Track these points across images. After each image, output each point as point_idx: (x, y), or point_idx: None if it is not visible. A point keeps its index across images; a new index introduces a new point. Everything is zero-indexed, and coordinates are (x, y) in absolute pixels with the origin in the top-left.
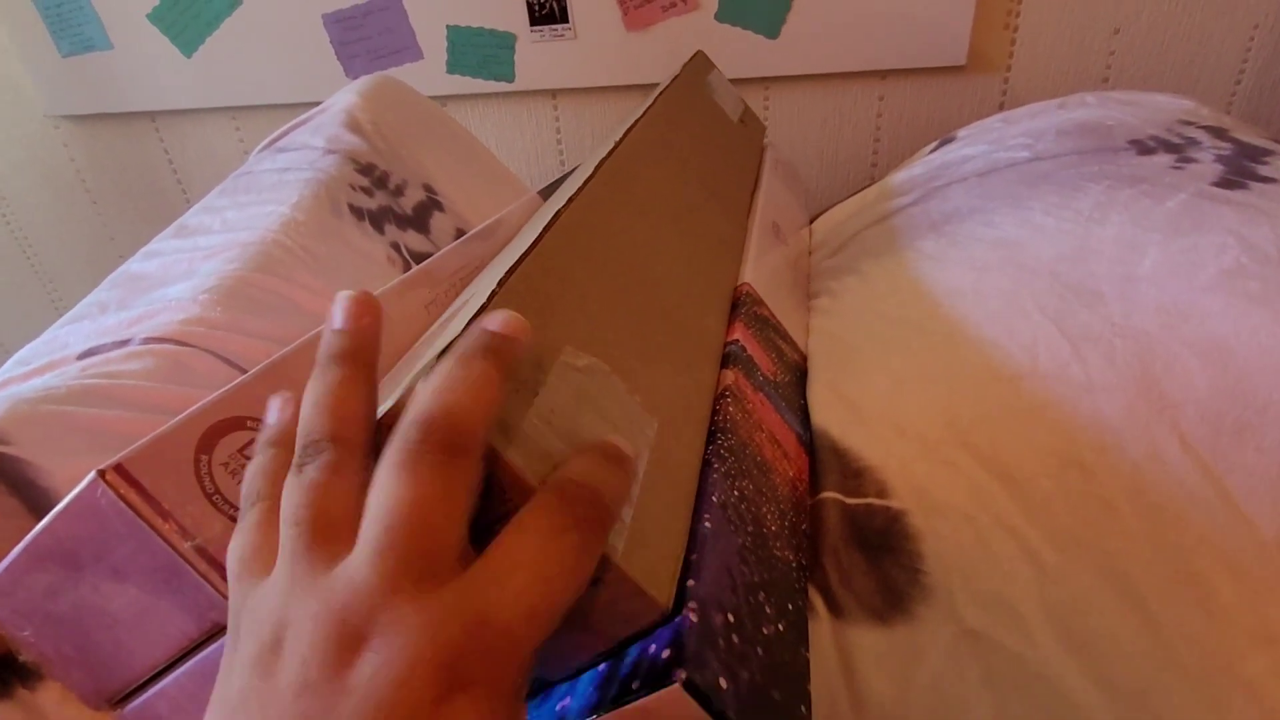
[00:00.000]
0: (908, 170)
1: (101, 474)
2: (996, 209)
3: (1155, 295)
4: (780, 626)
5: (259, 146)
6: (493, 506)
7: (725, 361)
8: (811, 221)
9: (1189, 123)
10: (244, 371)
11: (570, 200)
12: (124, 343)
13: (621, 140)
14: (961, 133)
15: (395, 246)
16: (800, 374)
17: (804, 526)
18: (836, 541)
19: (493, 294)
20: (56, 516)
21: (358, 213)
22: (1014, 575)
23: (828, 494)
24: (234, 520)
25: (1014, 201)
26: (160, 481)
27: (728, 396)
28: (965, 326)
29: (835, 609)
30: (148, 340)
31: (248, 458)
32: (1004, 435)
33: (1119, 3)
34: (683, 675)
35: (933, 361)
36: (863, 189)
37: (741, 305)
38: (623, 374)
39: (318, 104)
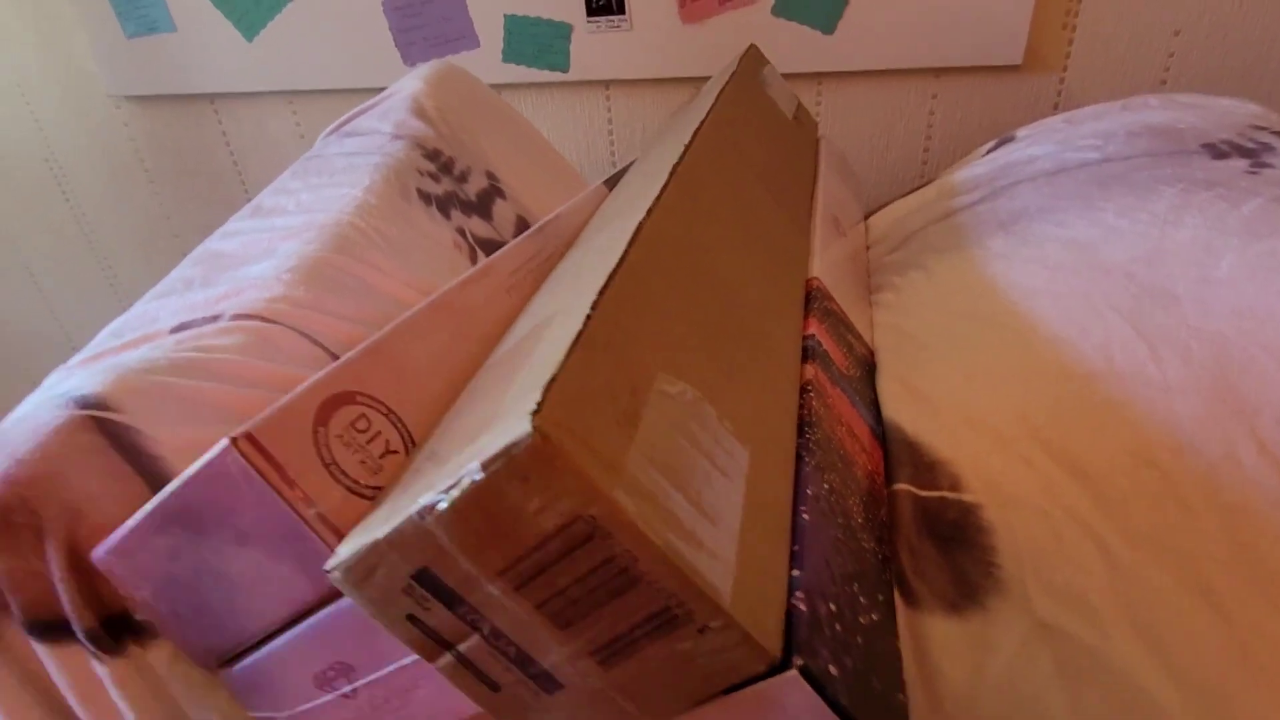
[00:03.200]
0: (970, 169)
1: (234, 441)
2: (1067, 209)
3: (1232, 299)
4: (875, 616)
5: (326, 130)
6: (595, 551)
7: (804, 356)
8: (866, 217)
9: (1261, 128)
10: (326, 349)
11: (649, 211)
12: (214, 318)
13: (691, 142)
14: (1021, 132)
15: (461, 232)
16: (868, 368)
17: (882, 517)
18: (910, 533)
19: (588, 318)
20: (186, 482)
21: (425, 198)
22: (1088, 570)
23: (901, 486)
24: (351, 491)
25: (1085, 202)
26: (286, 451)
27: (810, 391)
28: (1038, 324)
29: (910, 598)
30: (237, 316)
31: (360, 431)
32: (1079, 432)
33: (1181, 4)
34: (799, 662)
35: (1006, 358)
36: (919, 186)
37: (813, 300)
38: (711, 396)
39: (374, 90)
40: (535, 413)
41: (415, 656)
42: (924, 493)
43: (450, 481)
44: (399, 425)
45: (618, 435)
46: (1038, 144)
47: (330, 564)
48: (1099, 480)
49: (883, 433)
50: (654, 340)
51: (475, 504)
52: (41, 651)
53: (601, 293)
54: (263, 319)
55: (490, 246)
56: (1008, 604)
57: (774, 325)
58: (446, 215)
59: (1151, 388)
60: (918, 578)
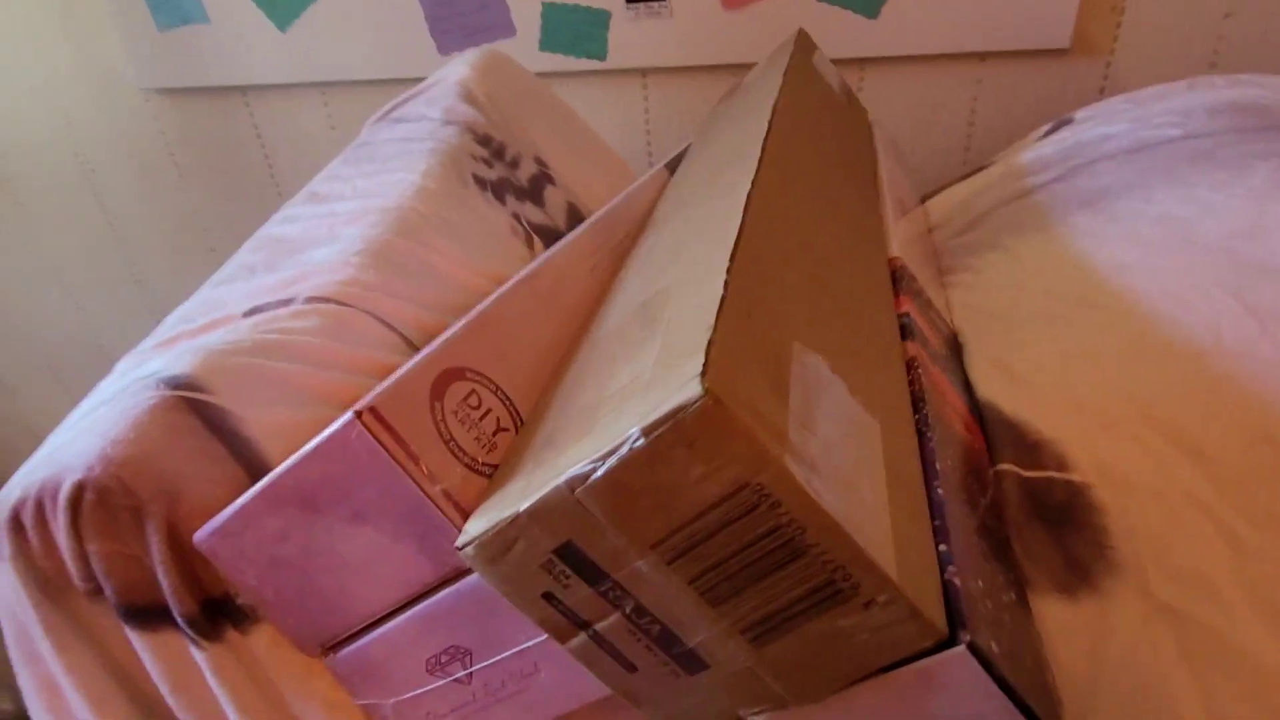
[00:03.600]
0: (1036, 149)
1: (358, 415)
2: (1155, 185)
3: None
4: (1012, 595)
5: (372, 119)
6: (760, 521)
7: (902, 334)
8: (921, 201)
9: None
10: (398, 332)
11: (753, 185)
12: (287, 302)
13: (772, 120)
14: (1081, 114)
15: (516, 217)
16: (953, 347)
17: (991, 497)
18: (1016, 514)
19: (726, 285)
20: (303, 458)
21: (480, 183)
22: (1210, 551)
23: (1005, 467)
24: (470, 468)
25: (1174, 178)
26: (408, 426)
27: (917, 367)
28: (1137, 302)
29: (1022, 580)
30: (311, 300)
31: (473, 408)
32: (1189, 411)
33: None
34: (967, 638)
35: (1106, 337)
36: (976, 170)
37: (900, 279)
38: (837, 369)
39: (408, 81)
40: (702, 375)
41: (539, 639)
42: (1029, 473)
43: (605, 449)
44: (506, 402)
45: (776, 402)
46: (1108, 123)
47: (462, 540)
48: (1215, 460)
49: (979, 413)
50: (783, 311)
51: (633, 472)
52: (135, 638)
53: (732, 260)
54: (336, 302)
55: (544, 232)
56: (1124, 586)
57: (872, 302)
58: (501, 201)
59: (1263, 364)
60: (1028, 559)
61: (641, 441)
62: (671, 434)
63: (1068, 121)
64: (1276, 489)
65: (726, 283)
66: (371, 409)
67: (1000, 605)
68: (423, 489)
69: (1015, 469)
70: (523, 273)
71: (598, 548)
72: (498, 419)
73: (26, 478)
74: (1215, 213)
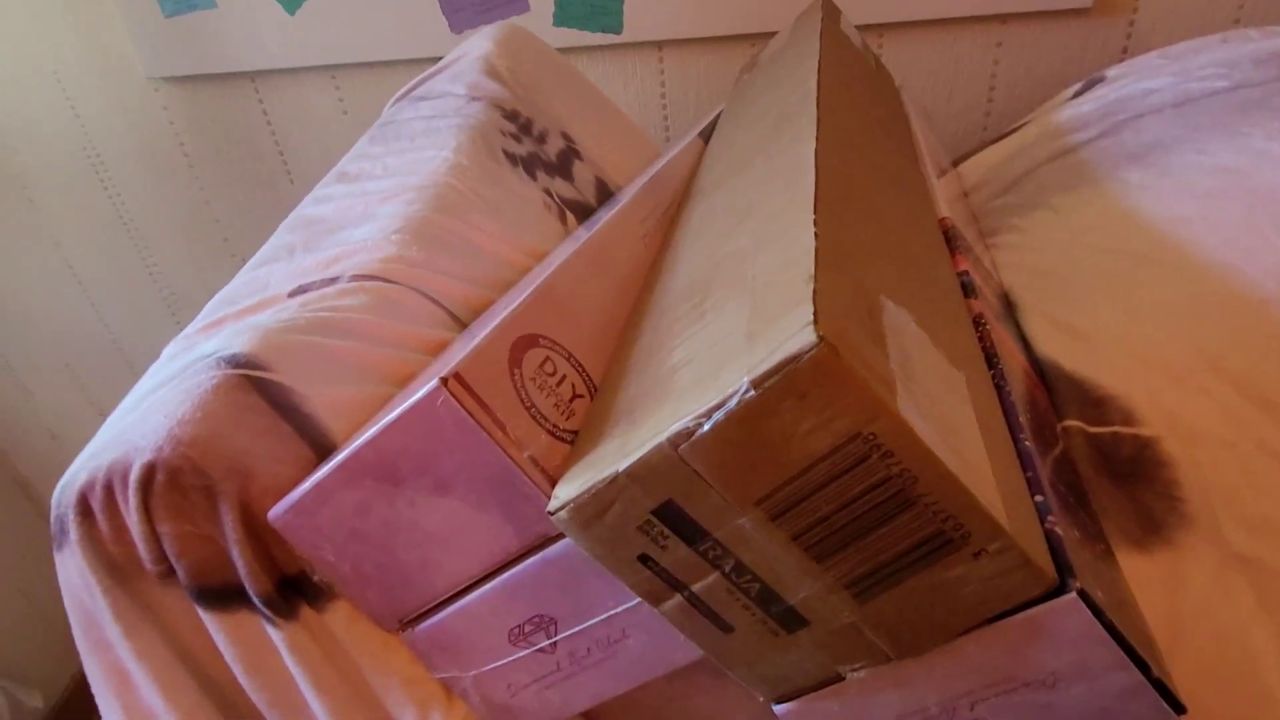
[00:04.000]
0: (1073, 108)
1: (444, 382)
2: (1208, 138)
3: None
4: (1101, 547)
5: (393, 98)
6: (870, 472)
7: (965, 292)
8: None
9: None
10: (445, 308)
11: (817, 144)
12: (332, 280)
13: (820, 80)
14: (1113, 72)
15: (548, 192)
16: (1006, 306)
17: (1059, 452)
18: (1085, 469)
19: (816, 249)
20: (385, 429)
21: (511, 159)
22: None
23: (1070, 423)
24: (552, 434)
25: (1227, 129)
26: (491, 392)
27: (984, 323)
28: (1198, 254)
29: (1103, 534)
30: (356, 278)
31: (549, 374)
32: (1259, 361)
33: None
34: (1077, 585)
35: (1168, 290)
36: (1008, 132)
37: (953, 239)
38: (921, 323)
39: (420, 61)
40: (814, 323)
41: (628, 604)
42: (1095, 429)
43: (711, 404)
44: (579, 369)
45: (878, 354)
46: (1148, 78)
47: (554, 504)
48: None
49: (1040, 370)
50: (867, 266)
51: (740, 426)
52: (208, 619)
53: (816, 215)
54: (382, 279)
55: (576, 207)
56: (1197, 538)
57: (933, 260)
58: (533, 176)
59: None
60: (1099, 514)
61: (752, 393)
62: (783, 384)
63: (1100, 80)
64: None
65: (816, 234)
66: (457, 375)
67: (1095, 555)
68: (510, 455)
69: (1081, 425)
70: (577, 243)
71: (699, 506)
72: (573, 385)
73: (92, 461)
74: (1273, 161)
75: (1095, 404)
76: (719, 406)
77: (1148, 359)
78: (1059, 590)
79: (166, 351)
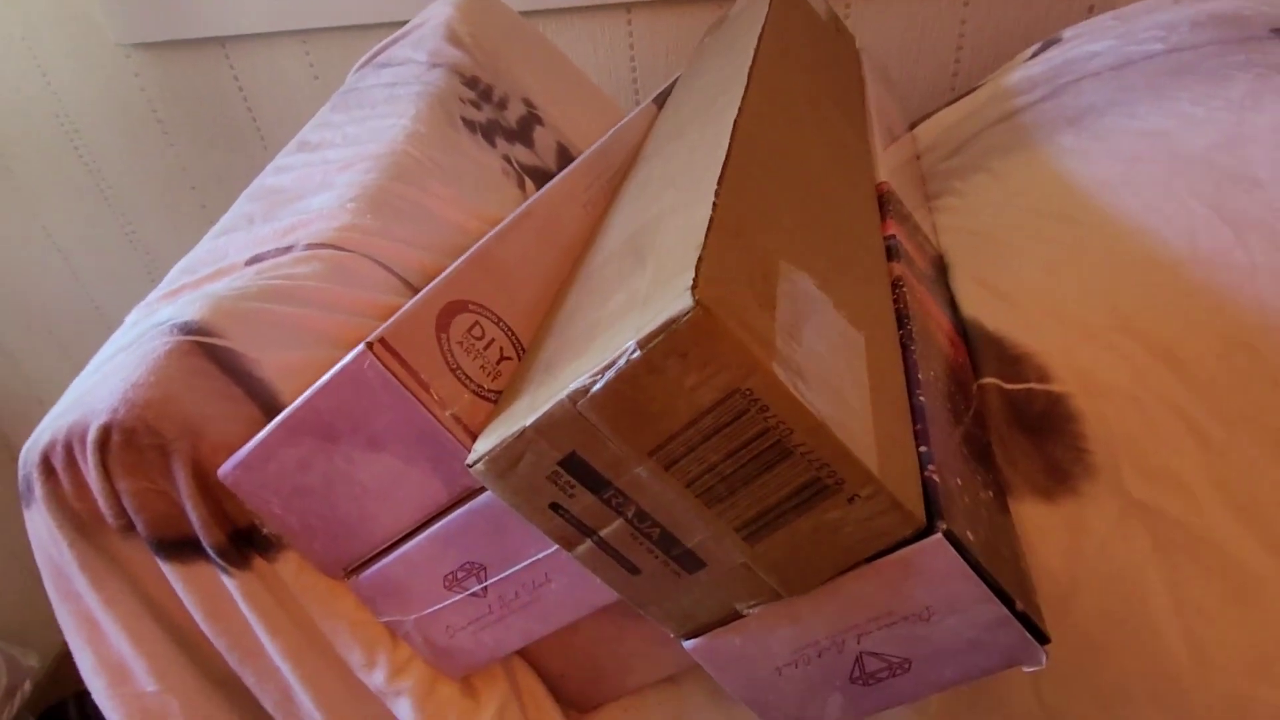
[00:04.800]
0: (1023, 70)
1: (369, 347)
2: (1138, 101)
3: None
4: (990, 493)
5: (357, 65)
6: (750, 424)
7: (889, 256)
8: (910, 128)
9: None
10: (399, 275)
11: (740, 110)
12: (287, 249)
13: (758, 48)
14: (1068, 33)
15: (507, 159)
16: (940, 268)
17: (975, 409)
18: (999, 424)
19: (714, 206)
20: (320, 389)
21: (470, 126)
22: (1182, 451)
23: (987, 380)
24: (477, 394)
25: (1157, 93)
26: (416, 355)
27: (901, 286)
28: (1118, 216)
29: (1003, 484)
30: (310, 246)
31: (476, 338)
32: (1167, 319)
33: None
34: (943, 526)
35: (1087, 251)
36: (962, 95)
37: (887, 203)
38: (823, 286)
39: (390, 25)
40: (693, 288)
41: (547, 551)
42: (1010, 386)
43: (604, 363)
44: (508, 332)
45: (763, 315)
46: (1094, 40)
47: (473, 457)
48: (1190, 365)
49: (964, 331)
50: (770, 231)
51: (630, 383)
52: (167, 570)
53: (719, 184)
54: (336, 247)
55: (535, 173)
56: (1099, 487)
57: (859, 224)
58: (491, 143)
59: (1239, 272)
60: (1009, 466)
61: (638, 354)
62: (665, 345)
63: (1056, 41)
64: (1248, 392)
65: (715, 204)
66: (382, 340)
67: (978, 501)
68: (433, 414)
69: (998, 382)
70: (519, 210)
71: (600, 457)
72: (500, 348)
73: (54, 422)
74: (1196, 125)
75: (1012, 361)
76: (610, 365)
77: (1064, 317)
78: (928, 531)
79: (129, 318)
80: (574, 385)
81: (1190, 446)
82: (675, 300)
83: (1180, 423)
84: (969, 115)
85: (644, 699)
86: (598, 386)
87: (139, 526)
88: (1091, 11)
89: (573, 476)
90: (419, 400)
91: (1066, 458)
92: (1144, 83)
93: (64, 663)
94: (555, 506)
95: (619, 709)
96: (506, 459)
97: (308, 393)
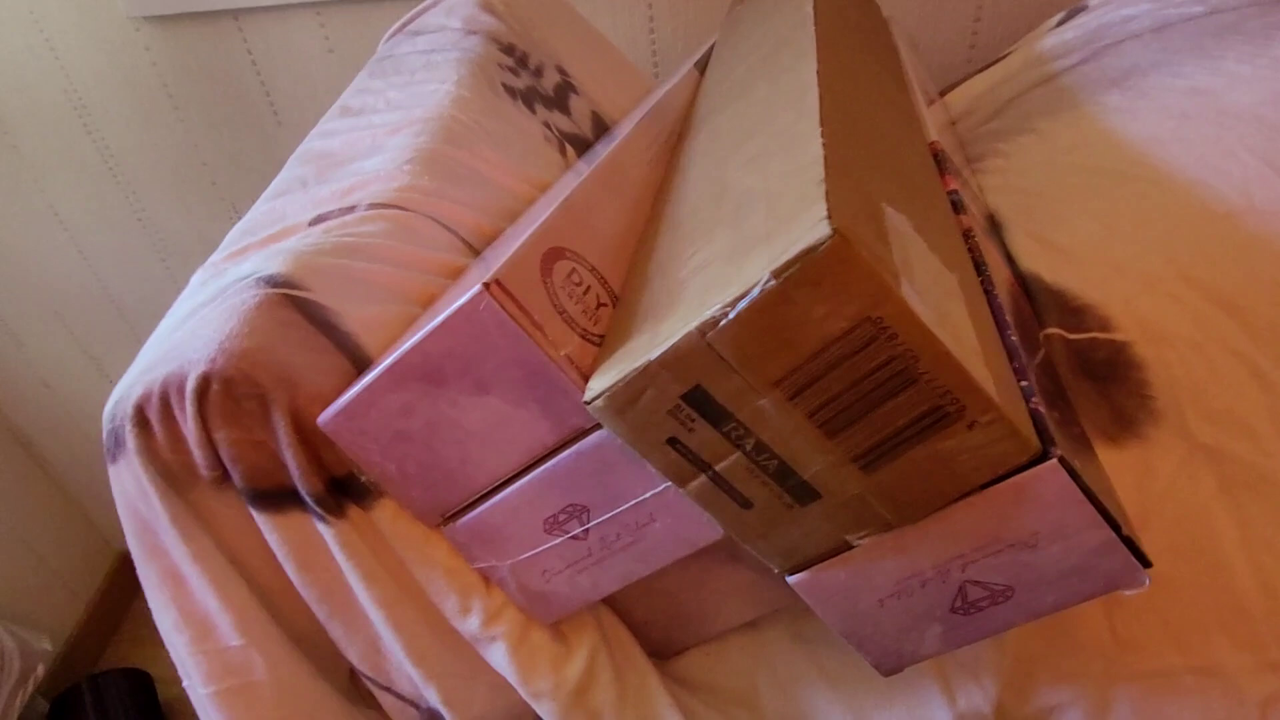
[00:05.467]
0: (1056, 35)
1: (486, 287)
2: (1183, 61)
3: None
4: (1078, 431)
5: (387, 34)
6: (877, 352)
7: (955, 210)
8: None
9: None
10: (460, 236)
11: (819, 64)
12: (350, 209)
13: (817, 8)
14: (1093, 0)
15: (547, 125)
16: (993, 225)
17: (1041, 357)
18: (1065, 372)
19: (825, 157)
20: (430, 333)
21: (511, 92)
22: (1244, 395)
23: (1051, 330)
24: (583, 337)
25: (1201, 53)
26: (529, 298)
27: (972, 237)
28: (1171, 171)
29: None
30: (373, 206)
31: (576, 284)
32: (1226, 269)
33: None
34: (1058, 453)
35: (1142, 205)
36: (994, 62)
37: (942, 161)
38: (918, 230)
39: None
40: (828, 218)
41: (655, 490)
42: (1074, 335)
43: (736, 293)
44: (602, 280)
45: (884, 248)
46: (1127, 6)
47: (590, 394)
48: (1249, 312)
49: (1023, 284)
50: (868, 176)
51: (762, 313)
52: (262, 521)
53: (822, 127)
54: (398, 207)
55: (574, 140)
56: (1165, 432)
57: (926, 178)
58: (531, 109)
59: None
60: (1078, 412)
61: (773, 283)
62: (800, 274)
63: (1082, 9)
64: None
65: (824, 144)
66: (497, 282)
67: (1073, 437)
68: (547, 354)
69: (1061, 332)
70: (580, 176)
71: (723, 389)
72: (597, 296)
73: (146, 375)
74: (1243, 83)
75: (1074, 312)
76: (743, 296)
77: (1123, 269)
78: (1042, 458)
79: (195, 279)
80: (702, 316)
81: (1252, 390)
82: (810, 230)
83: (1242, 367)
84: (1004, 81)
85: (725, 644)
86: (730, 317)
87: (235, 477)
88: None
89: (694, 409)
90: (534, 340)
91: (1131, 404)
92: (1187, 44)
93: (76, 647)
94: (673, 441)
95: (700, 654)
96: (627, 394)
97: (416, 337)
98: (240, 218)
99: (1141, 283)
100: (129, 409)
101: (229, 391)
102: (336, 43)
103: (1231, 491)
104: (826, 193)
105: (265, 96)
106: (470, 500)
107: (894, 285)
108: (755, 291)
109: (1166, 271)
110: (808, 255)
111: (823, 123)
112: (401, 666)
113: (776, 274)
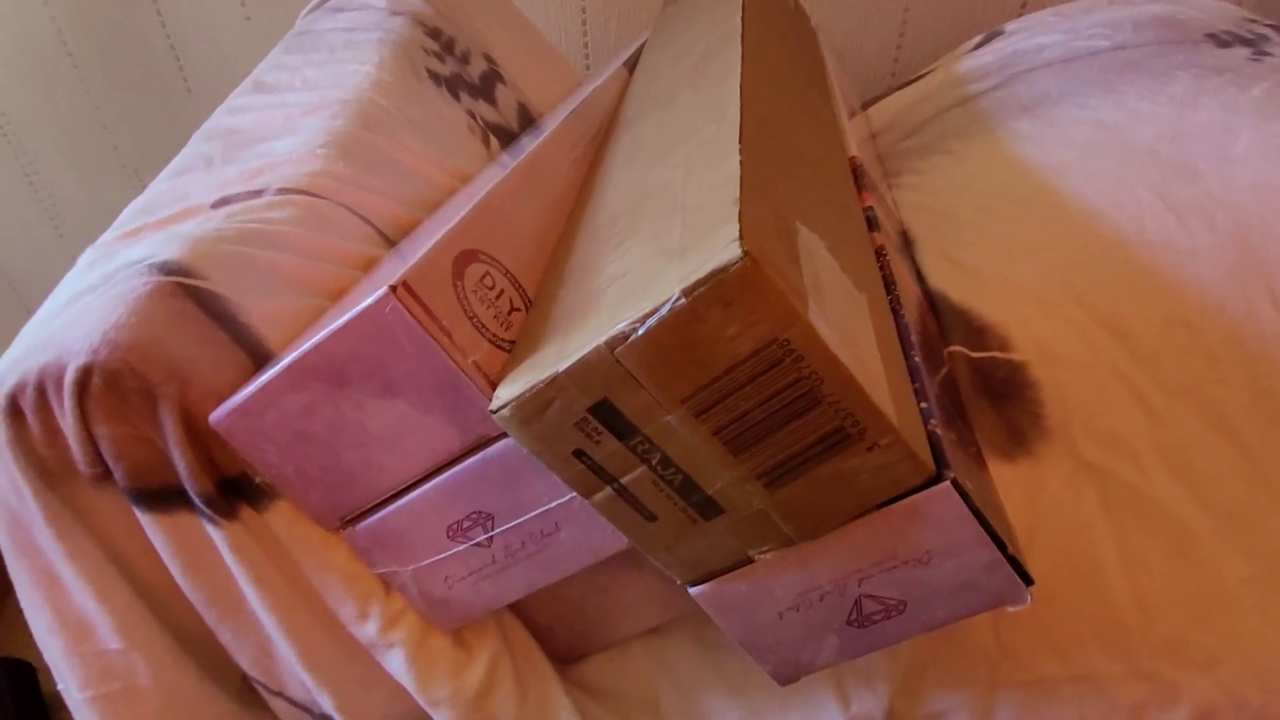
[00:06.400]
0: (974, 59)
1: (393, 290)
2: (1089, 93)
3: (1250, 174)
4: (974, 451)
5: (307, 8)
6: (784, 373)
7: (869, 226)
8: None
9: (1252, 20)
10: (374, 226)
11: (742, 78)
12: (258, 193)
13: (744, 17)
14: (1010, 26)
15: (471, 114)
16: (905, 241)
17: (945, 374)
18: (966, 389)
19: (741, 175)
20: (333, 334)
21: (435, 78)
22: (1128, 416)
23: (955, 348)
24: (492, 343)
25: (1106, 86)
26: (438, 302)
27: (884, 254)
28: (1072, 200)
29: (977, 443)
30: (282, 191)
31: (488, 288)
32: (1117, 296)
33: None
34: (950, 475)
35: (1045, 231)
36: (913, 79)
37: (860, 176)
38: (830, 250)
39: None
40: (740, 239)
41: (560, 500)
42: (975, 354)
43: (646, 310)
44: (515, 284)
45: (794, 270)
46: (1039, 34)
47: (497, 404)
48: (1136, 338)
49: (931, 301)
50: (783, 194)
51: (672, 331)
52: (146, 521)
53: (740, 144)
54: (309, 194)
55: (499, 131)
56: (1054, 449)
57: (843, 194)
58: (456, 97)
59: (1181, 254)
60: (975, 430)
61: (683, 301)
62: (711, 294)
63: (998, 34)
64: (1186, 364)
65: (741, 162)
66: (405, 284)
67: (969, 457)
68: (455, 361)
69: (965, 350)
70: (513, 166)
71: (631, 404)
72: (510, 300)
73: (21, 364)
74: (1142, 118)
75: (977, 331)
76: (653, 313)
77: (1022, 292)
78: (936, 479)
79: (83, 259)
80: (612, 331)
81: (1136, 413)
82: (722, 250)
83: (1127, 391)
84: (922, 99)
85: (628, 649)
86: (639, 333)
87: (117, 475)
88: (1023, 9)
89: (601, 423)
90: (441, 347)
91: (1025, 421)
92: (1094, 76)
93: None
94: (579, 453)
95: (604, 659)
96: (534, 405)
97: (318, 336)
98: (144, 186)
99: (1039, 305)
100: (1, 400)
101: (112, 385)
102: (254, 10)
103: (1112, 509)
104: (740, 213)
105: (175, 61)
106: (372, 504)
107: (802, 309)
108: (665, 309)
109: (1063, 296)
110: (718, 276)
111: (742, 139)
112: (294, 672)
113: (687, 293)
